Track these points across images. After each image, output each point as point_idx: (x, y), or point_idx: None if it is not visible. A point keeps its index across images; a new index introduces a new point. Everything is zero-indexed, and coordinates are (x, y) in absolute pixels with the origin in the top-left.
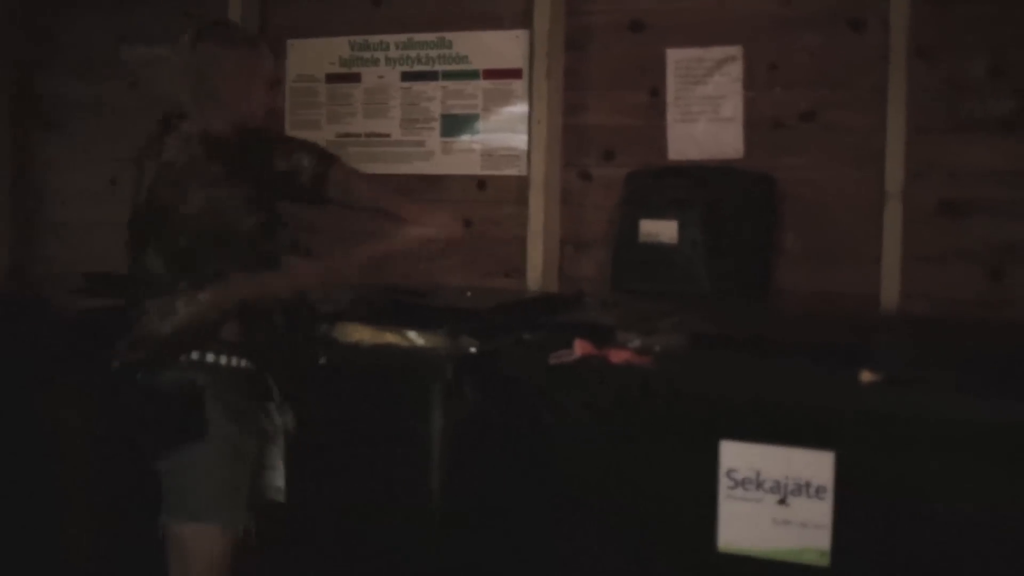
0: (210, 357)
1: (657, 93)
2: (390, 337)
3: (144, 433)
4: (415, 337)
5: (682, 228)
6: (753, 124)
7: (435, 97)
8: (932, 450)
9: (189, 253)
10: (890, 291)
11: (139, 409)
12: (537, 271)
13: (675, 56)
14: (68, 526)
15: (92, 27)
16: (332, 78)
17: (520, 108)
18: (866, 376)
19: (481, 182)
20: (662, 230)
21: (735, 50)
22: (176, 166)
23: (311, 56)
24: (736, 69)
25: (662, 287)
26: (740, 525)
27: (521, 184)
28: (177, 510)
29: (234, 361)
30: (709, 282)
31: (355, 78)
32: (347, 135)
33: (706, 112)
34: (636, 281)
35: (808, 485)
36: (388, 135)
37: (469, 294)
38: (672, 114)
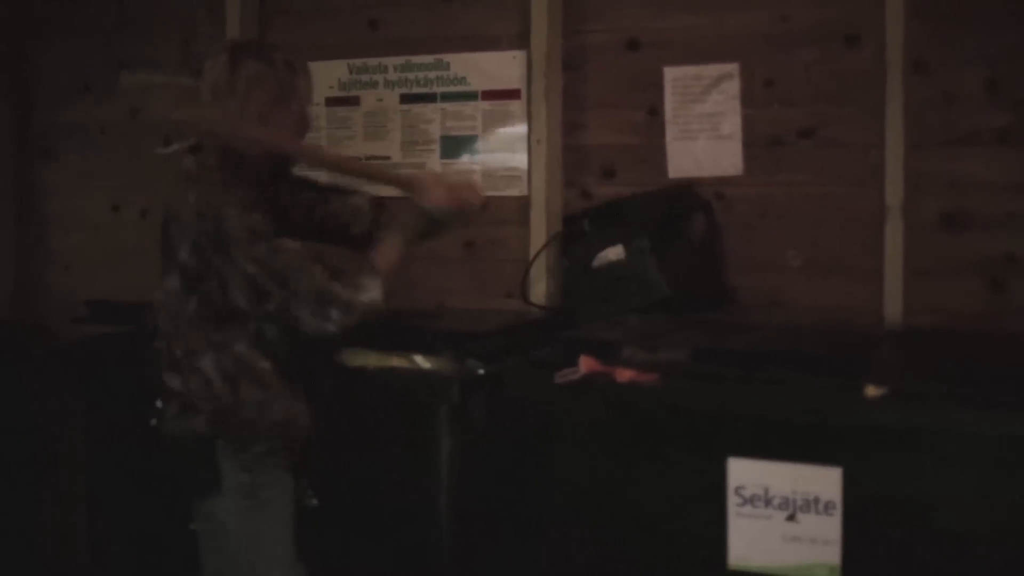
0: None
1: (655, 111)
2: (396, 361)
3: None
4: (421, 361)
5: (627, 242)
6: (752, 141)
7: (434, 119)
8: (940, 464)
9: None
10: (892, 305)
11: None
12: (540, 291)
13: (672, 74)
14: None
15: (91, 53)
16: (331, 101)
17: (519, 128)
18: (871, 391)
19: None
20: (610, 251)
21: (732, 67)
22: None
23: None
24: (734, 86)
25: (622, 304)
26: (750, 542)
27: (522, 204)
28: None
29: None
30: (666, 285)
31: (354, 101)
32: None
33: (705, 130)
34: (596, 305)
35: (817, 501)
36: (388, 157)
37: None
38: (671, 132)
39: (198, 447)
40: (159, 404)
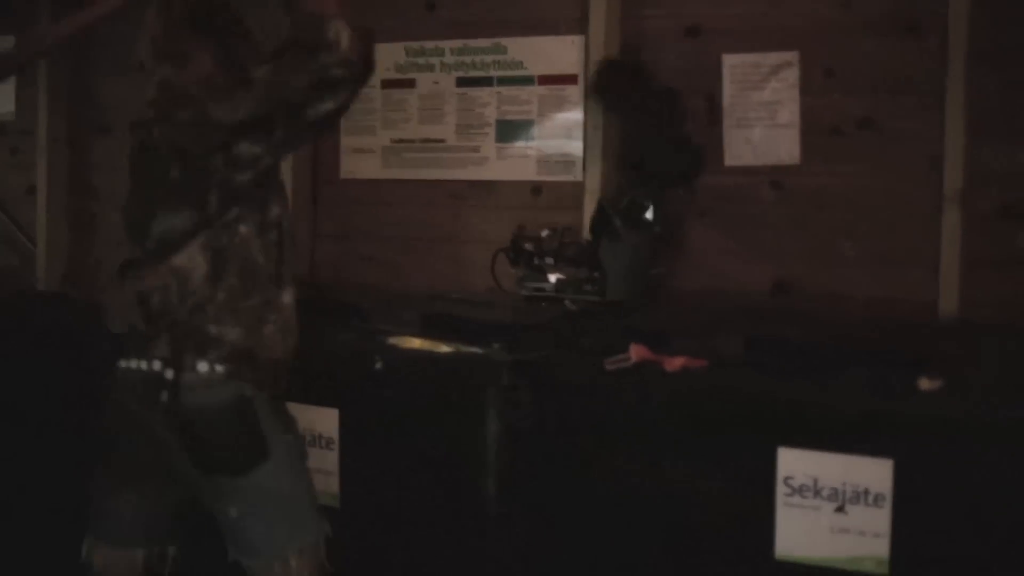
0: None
1: (713, 99)
2: (446, 349)
3: (201, 463)
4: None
5: None
6: (810, 130)
7: (490, 103)
8: (992, 457)
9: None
10: (949, 297)
11: (192, 436)
12: None
13: (731, 61)
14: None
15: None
16: (387, 84)
17: (575, 114)
18: (925, 383)
19: (536, 188)
20: None
21: (792, 55)
22: None
23: None
24: (793, 75)
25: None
26: (798, 533)
27: (576, 190)
28: (267, 544)
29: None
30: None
31: (410, 84)
32: (402, 141)
33: (762, 118)
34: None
35: (867, 493)
36: (443, 140)
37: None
38: (728, 120)
39: (237, 419)
40: (168, 375)
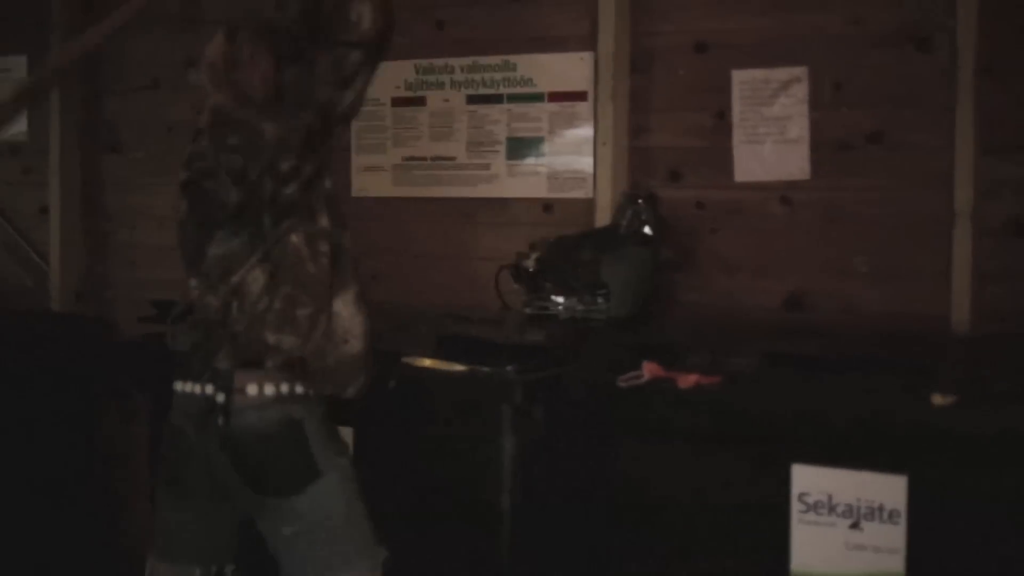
0: (299, 389)
1: (723, 114)
2: (459, 369)
3: (253, 485)
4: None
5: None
6: (819, 145)
7: (500, 120)
8: (1007, 472)
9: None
10: (960, 311)
11: (243, 457)
12: None
13: (740, 77)
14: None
15: (160, 50)
16: (397, 101)
17: (585, 130)
18: (938, 399)
19: (547, 205)
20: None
21: (801, 71)
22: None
23: (376, 79)
24: (802, 90)
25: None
26: (813, 549)
27: (588, 207)
28: (317, 567)
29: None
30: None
31: (420, 101)
32: (412, 158)
33: (772, 133)
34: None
35: (881, 509)
36: (454, 158)
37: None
38: (738, 135)
39: (285, 440)
40: (219, 399)
